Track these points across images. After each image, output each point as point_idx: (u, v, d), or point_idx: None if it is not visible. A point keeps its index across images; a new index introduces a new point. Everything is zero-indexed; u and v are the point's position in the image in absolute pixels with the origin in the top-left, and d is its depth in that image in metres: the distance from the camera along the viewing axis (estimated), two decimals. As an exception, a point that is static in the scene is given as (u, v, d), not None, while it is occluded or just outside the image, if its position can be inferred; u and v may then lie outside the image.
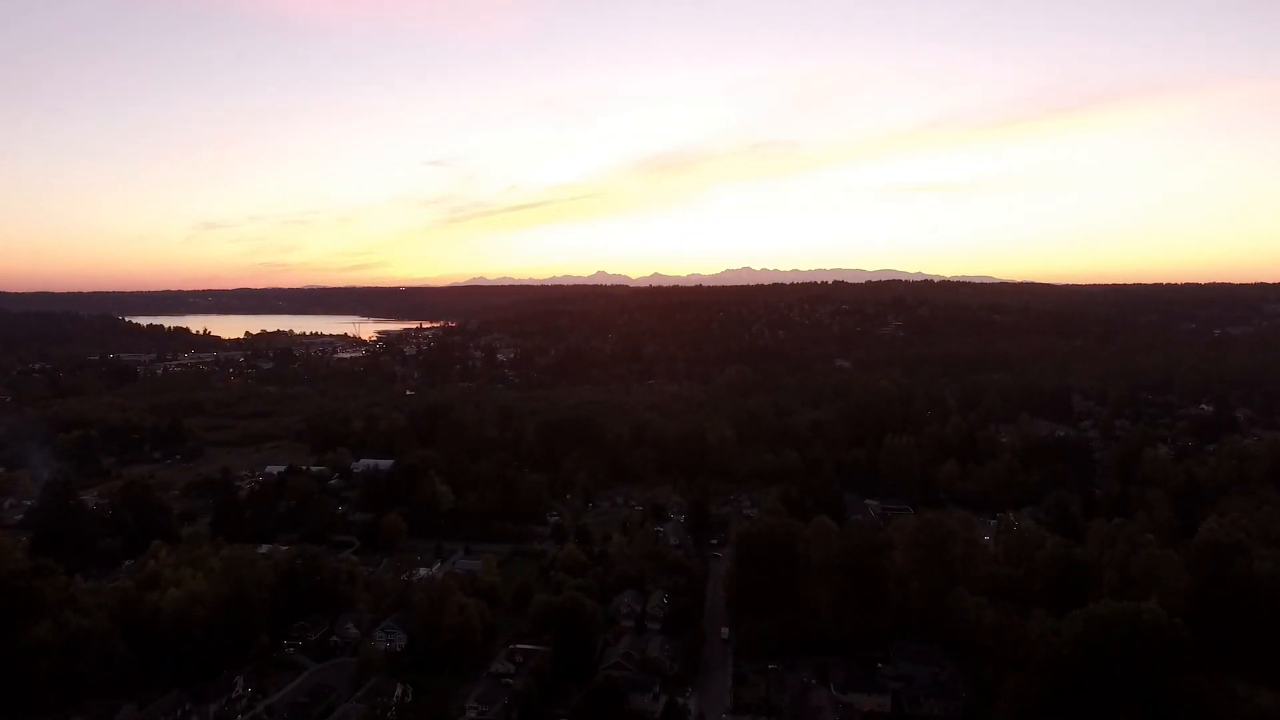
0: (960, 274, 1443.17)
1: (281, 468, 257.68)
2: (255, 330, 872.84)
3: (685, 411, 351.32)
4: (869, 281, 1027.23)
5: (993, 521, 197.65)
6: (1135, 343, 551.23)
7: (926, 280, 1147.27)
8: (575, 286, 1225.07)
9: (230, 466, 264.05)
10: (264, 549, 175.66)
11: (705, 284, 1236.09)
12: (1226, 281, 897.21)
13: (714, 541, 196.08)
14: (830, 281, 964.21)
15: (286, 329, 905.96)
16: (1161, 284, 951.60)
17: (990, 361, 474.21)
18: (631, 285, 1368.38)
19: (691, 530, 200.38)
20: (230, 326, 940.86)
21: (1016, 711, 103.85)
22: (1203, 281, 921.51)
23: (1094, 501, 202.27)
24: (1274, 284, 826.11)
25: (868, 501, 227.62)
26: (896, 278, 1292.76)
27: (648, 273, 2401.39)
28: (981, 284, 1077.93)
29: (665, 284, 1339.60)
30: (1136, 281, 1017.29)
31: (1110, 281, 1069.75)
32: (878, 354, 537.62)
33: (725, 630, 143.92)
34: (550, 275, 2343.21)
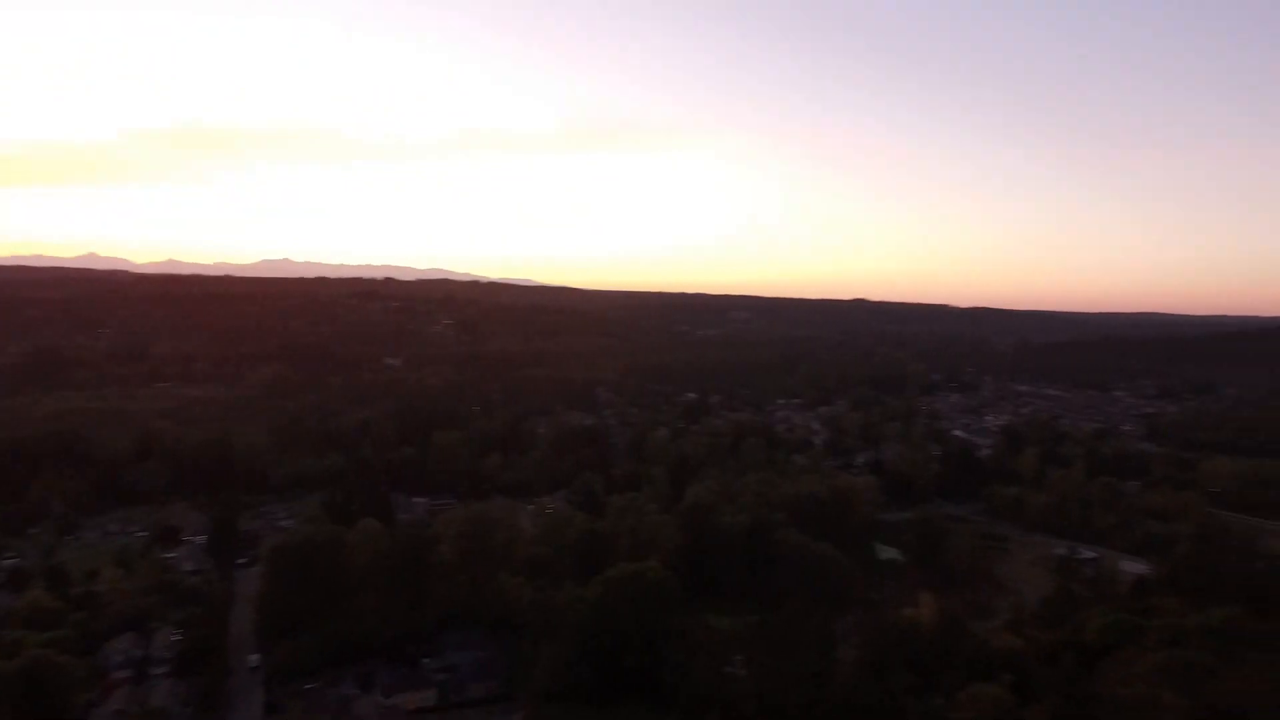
0: (505, 277, 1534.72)
1: None
2: None
3: (210, 417, 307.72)
4: (420, 280, 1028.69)
5: (530, 507, 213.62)
6: (645, 342, 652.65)
7: (474, 281, 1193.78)
8: (52, 269, 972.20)
9: None
10: None
11: (236, 275, 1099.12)
12: (704, 292, 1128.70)
13: (242, 561, 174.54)
14: (382, 278, 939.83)
15: None
16: (664, 292, 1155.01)
17: (531, 358, 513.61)
18: (136, 271, 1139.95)
19: (214, 552, 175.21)
20: None
21: (549, 676, 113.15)
22: (690, 291, 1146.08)
23: (612, 480, 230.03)
24: (738, 295, 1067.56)
25: (415, 499, 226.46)
26: (447, 277, 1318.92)
27: (159, 259, 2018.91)
28: (524, 286, 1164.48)
29: (183, 272, 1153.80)
30: (647, 290, 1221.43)
31: (629, 289, 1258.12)
32: (428, 352, 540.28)
33: (254, 657, 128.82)
34: (11, 253, 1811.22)
